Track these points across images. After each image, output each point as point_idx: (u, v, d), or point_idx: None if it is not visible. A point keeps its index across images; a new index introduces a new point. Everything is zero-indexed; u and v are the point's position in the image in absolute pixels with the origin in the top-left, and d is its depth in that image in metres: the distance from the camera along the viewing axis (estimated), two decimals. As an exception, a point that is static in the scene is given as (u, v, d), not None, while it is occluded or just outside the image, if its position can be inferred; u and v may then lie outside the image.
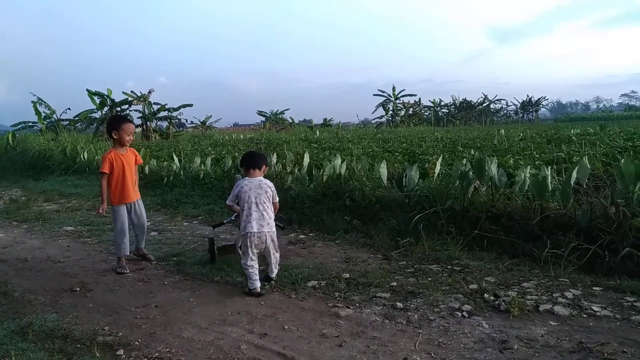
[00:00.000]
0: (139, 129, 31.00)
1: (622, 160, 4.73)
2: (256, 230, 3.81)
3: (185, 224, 6.74)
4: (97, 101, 26.86)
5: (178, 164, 10.39)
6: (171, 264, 4.77)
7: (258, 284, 3.84)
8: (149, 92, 28.89)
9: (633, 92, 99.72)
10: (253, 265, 3.84)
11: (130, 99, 28.37)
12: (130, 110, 29.32)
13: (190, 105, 32.71)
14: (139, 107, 29.59)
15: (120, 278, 4.41)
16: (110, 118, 4.80)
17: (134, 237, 4.94)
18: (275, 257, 4.01)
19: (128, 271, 4.52)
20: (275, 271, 4.07)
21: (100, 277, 4.45)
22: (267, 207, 3.89)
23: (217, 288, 4.06)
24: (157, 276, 4.44)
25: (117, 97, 27.69)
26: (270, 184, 3.98)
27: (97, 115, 27.94)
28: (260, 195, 3.87)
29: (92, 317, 3.50)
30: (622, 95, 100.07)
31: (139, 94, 28.58)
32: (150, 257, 4.95)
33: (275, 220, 4.01)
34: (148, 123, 30.27)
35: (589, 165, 5.32)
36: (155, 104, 30.12)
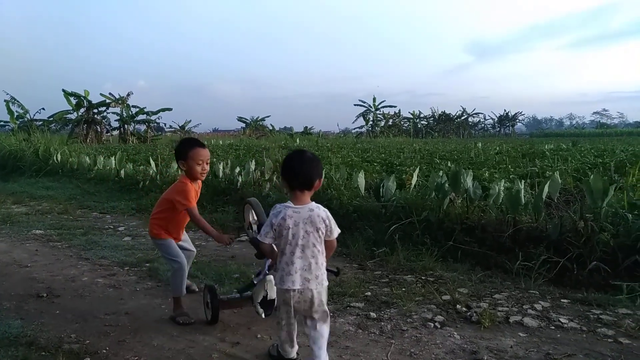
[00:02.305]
0: (116, 132, 30.61)
1: (592, 177, 4.87)
2: (299, 286, 2.56)
3: (159, 229, 6.64)
4: (73, 102, 26.38)
5: (155, 169, 10.26)
6: (144, 270, 4.69)
7: (293, 352, 2.78)
8: (128, 95, 28.61)
9: (604, 110, 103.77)
10: (291, 326, 2.69)
11: (108, 101, 27.98)
12: (107, 113, 28.99)
13: (170, 110, 32.55)
14: (117, 110, 29.26)
15: (91, 284, 4.31)
16: (179, 143, 3.73)
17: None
18: (321, 330, 2.64)
19: (193, 319, 3.47)
20: None
21: (68, 283, 4.34)
22: (318, 251, 2.60)
23: (191, 296, 3.98)
24: (128, 282, 4.35)
25: (95, 98, 27.30)
26: (326, 215, 2.61)
27: (73, 116, 27.41)
28: (310, 235, 2.56)
29: (58, 324, 3.40)
30: (594, 113, 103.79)
31: (117, 96, 28.22)
32: (195, 288, 4.09)
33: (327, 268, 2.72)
34: (126, 126, 29.91)
35: (560, 180, 5.46)
36: (134, 107, 29.88)
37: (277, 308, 2.73)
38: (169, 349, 3.02)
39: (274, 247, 2.73)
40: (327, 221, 2.59)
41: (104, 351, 2.99)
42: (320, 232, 2.58)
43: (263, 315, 3.16)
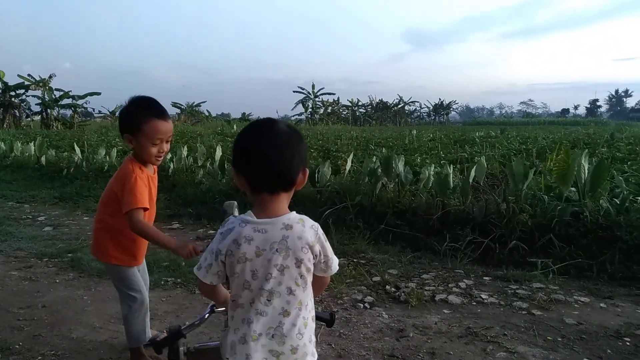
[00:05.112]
0: (37, 117, 28.59)
1: (514, 162, 5.15)
2: None
3: (85, 218, 6.29)
4: (-12, 84, 24.35)
5: (80, 155, 9.69)
6: (65, 261, 4.41)
7: None
8: (50, 77, 26.72)
9: (530, 100, 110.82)
10: None
11: (27, 83, 26.05)
12: (27, 96, 27.00)
13: (98, 94, 30.88)
14: (38, 93, 27.30)
15: (3, 277, 4.00)
16: (127, 105, 2.35)
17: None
18: None
19: None
20: None
21: (-22, 277, 4.01)
22: (299, 303, 1.43)
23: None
24: (47, 274, 4.09)
25: (11, 80, 25.32)
26: (316, 236, 1.43)
27: (-13, 99, 25.32)
28: (284, 273, 1.40)
29: (-35, 320, 3.14)
30: (521, 103, 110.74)
31: (37, 79, 26.30)
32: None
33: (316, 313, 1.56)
34: (49, 110, 28.01)
35: (486, 165, 5.73)
36: (58, 90, 28.00)
37: None
38: (90, 341, 2.88)
39: (220, 290, 1.58)
40: (316, 247, 1.43)
41: (17, 346, 2.80)
42: (304, 267, 1.42)
43: None
